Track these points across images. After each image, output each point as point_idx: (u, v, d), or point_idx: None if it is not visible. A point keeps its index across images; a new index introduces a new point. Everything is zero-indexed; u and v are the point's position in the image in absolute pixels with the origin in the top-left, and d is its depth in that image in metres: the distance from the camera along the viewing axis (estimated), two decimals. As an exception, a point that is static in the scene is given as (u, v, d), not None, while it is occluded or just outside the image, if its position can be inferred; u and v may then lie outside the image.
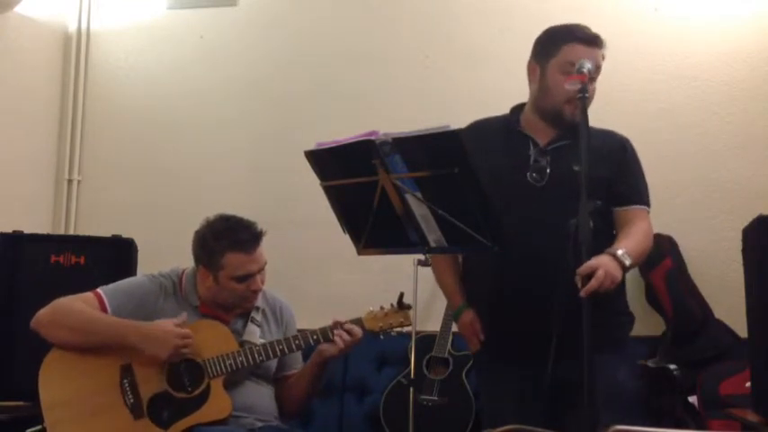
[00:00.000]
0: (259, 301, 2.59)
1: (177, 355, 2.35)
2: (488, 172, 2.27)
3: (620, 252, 2.16)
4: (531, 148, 2.36)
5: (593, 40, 2.31)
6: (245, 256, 2.46)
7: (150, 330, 2.36)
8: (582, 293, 2.03)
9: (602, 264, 2.08)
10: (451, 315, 3.39)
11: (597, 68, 2.29)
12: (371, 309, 2.54)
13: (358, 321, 2.50)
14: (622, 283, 2.33)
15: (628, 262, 2.17)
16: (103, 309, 2.43)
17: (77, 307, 2.41)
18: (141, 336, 2.34)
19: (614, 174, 2.35)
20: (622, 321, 2.45)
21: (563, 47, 2.31)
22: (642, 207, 2.40)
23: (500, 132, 2.43)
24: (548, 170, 2.31)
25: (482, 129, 2.47)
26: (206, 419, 2.33)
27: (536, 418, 2.07)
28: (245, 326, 2.53)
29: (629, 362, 2.53)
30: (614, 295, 2.26)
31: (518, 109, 2.47)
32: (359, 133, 2.02)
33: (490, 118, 2.50)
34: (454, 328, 3.42)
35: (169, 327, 2.37)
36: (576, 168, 2.24)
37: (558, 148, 2.34)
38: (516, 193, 2.30)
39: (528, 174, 2.31)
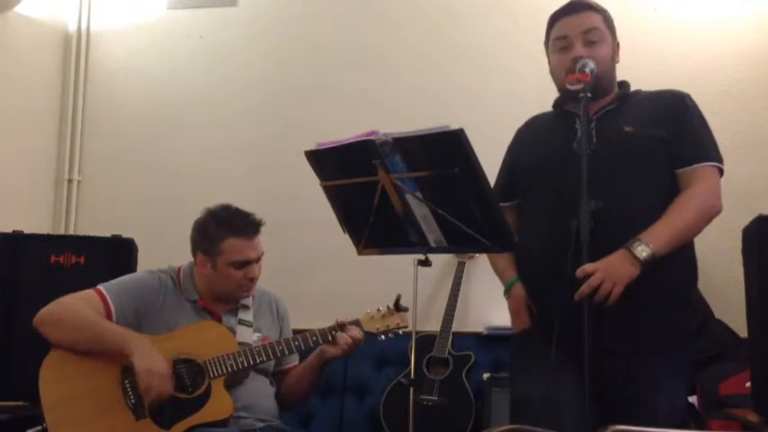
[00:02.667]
0: (249, 300, 2.61)
1: (154, 381, 2.29)
2: (536, 150, 2.32)
3: (636, 245, 2.05)
4: (577, 121, 2.23)
5: (571, 9, 2.30)
6: (245, 242, 2.49)
7: (148, 349, 2.34)
8: (575, 297, 2.01)
9: (601, 266, 2.02)
10: (455, 312, 3.42)
11: (591, 30, 2.24)
12: (368, 310, 2.56)
13: (356, 323, 2.53)
14: (690, 264, 2.23)
15: (645, 254, 2.04)
16: (106, 306, 2.44)
17: (80, 309, 2.41)
18: (139, 350, 2.32)
19: (673, 132, 2.20)
20: (683, 312, 2.24)
21: (553, 25, 2.33)
22: (707, 164, 2.19)
23: (550, 119, 2.39)
24: (594, 138, 2.19)
25: (535, 121, 2.46)
26: (207, 420, 2.33)
27: (572, 407, 2.04)
28: (236, 326, 2.55)
29: (687, 369, 2.32)
30: (671, 282, 2.16)
31: None
32: (359, 133, 2.02)
33: (544, 112, 2.45)
34: (454, 328, 3.43)
35: (161, 362, 2.33)
36: (627, 129, 2.20)
37: (603, 115, 2.26)
38: (564, 166, 2.17)
39: (574, 143, 2.18)
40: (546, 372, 2.09)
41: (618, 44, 2.34)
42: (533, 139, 2.41)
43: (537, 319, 2.29)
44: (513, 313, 2.35)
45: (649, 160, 2.20)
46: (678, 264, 2.15)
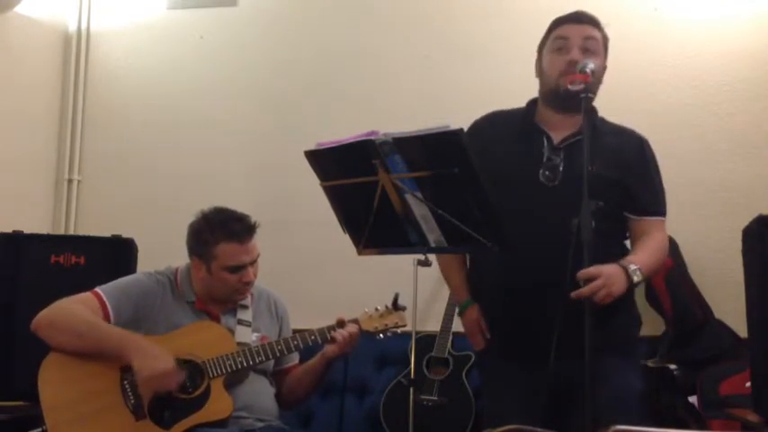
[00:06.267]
0: (248, 300, 2.61)
1: (155, 384, 2.30)
2: (500, 166, 2.27)
3: (632, 267, 2.13)
4: (545, 144, 2.29)
5: (576, 18, 2.31)
6: (239, 247, 2.48)
7: (149, 349, 2.34)
8: (572, 295, 2.03)
9: (604, 274, 2.06)
10: (456, 311, 3.41)
11: (590, 39, 2.26)
12: (366, 310, 2.57)
13: (354, 322, 2.54)
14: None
15: (636, 278, 2.13)
16: (104, 308, 2.44)
17: (78, 311, 2.40)
18: (139, 352, 2.32)
19: (630, 177, 2.29)
20: (631, 323, 2.40)
21: (554, 29, 2.33)
22: (660, 218, 2.35)
23: (516, 125, 2.37)
24: (560, 168, 2.24)
25: (498, 120, 2.42)
26: (207, 419, 2.33)
27: (539, 417, 2.09)
28: (235, 325, 2.55)
29: (639, 365, 2.51)
30: (625, 296, 2.24)
31: (534, 102, 2.40)
32: (359, 133, 2.02)
33: (509, 110, 2.43)
34: (454, 328, 3.43)
35: (166, 356, 2.33)
36: (592, 169, 2.19)
37: (572, 145, 2.27)
38: (527, 191, 2.24)
39: (540, 172, 2.25)
40: (506, 388, 2.28)
41: (605, 67, 2.35)
42: (495, 149, 2.32)
43: (492, 339, 2.37)
44: (469, 335, 2.43)
45: (607, 199, 2.22)
46: None
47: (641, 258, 2.20)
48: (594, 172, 2.20)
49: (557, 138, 2.30)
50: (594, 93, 2.25)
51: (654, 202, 2.34)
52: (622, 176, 2.27)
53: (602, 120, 2.38)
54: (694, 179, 3.46)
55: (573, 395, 2.07)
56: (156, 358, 2.31)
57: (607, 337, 2.20)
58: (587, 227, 2.01)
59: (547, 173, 2.25)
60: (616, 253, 2.25)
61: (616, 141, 2.32)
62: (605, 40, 2.33)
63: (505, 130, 2.38)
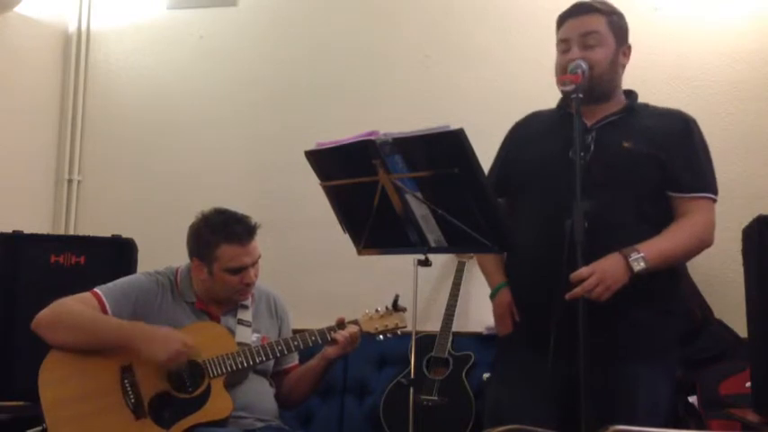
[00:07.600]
0: (248, 300, 2.61)
1: (175, 360, 2.35)
2: (534, 151, 2.33)
3: (633, 256, 2.08)
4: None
5: (575, 11, 2.31)
6: (240, 248, 2.48)
7: (154, 332, 2.36)
8: (567, 296, 2.03)
9: (597, 270, 2.04)
10: (456, 311, 3.42)
11: (589, 34, 2.26)
12: (367, 311, 2.57)
13: (355, 323, 2.55)
14: (674, 273, 2.26)
15: (638, 267, 2.07)
16: (103, 308, 2.44)
17: (79, 308, 2.42)
18: (144, 337, 2.35)
19: (672, 155, 2.21)
20: (661, 319, 2.25)
21: (560, 27, 2.34)
22: (705, 195, 2.23)
23: (551, 119, 2.39)
24: (591, 147, 2.22)
25: (535, 118, 2.47)
26: (207, 419, 2.33)
27: (554, 414, 2.09)
28: (235, 326, 2.55)
29: (671, 369, 2.35)
30: (664, 288, 2.21)
31: None
32: (359, 133, 2.02)
33: (545, 109, 2.46)
34: (454, 328, 3.43)
35: (173, 331, 2.39)
36: (625, 145, 2.21)
37: (604, 126, 2.26)
38: (558, 170, 2.19)
39: (570, 151, 2.16)
40: (526, 379, 2.20)
41: (629, 47, 2.35)
42: (532, 138, 2.42)
43: (520, 325, 2.32)
44: (498, 318, 2.40)
45: (643, 177, 2.22)
46: (658, 273, 2.15)
47: (652, 244, 2.13)
48: (627, 148, 2.21)
49: (589, 121, 2.29)
50: (601, 85, 2.26)
51: (697, 179, 2.23)
52: (658, 152, 2.21)
53: (645, 105, 2.37)
54: (694, 179, 3.45)
55: (595, 403, 2.00)
56: (165, 339, 2.34)
57: (630, 338, 2.18)
58: (580, 227, 2.01)
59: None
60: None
61: (655, 121, 2.29)
62: (614, 22, 2.30)
63: (541, 121, 2.43)
